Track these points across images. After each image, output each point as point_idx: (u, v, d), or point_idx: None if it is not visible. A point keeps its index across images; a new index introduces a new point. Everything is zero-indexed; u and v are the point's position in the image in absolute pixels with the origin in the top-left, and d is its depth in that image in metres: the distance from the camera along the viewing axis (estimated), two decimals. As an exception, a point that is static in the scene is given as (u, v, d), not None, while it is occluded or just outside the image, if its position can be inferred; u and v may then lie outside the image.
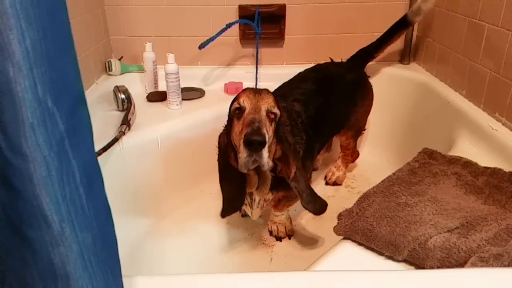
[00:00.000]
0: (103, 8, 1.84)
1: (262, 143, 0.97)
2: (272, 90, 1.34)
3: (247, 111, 1.04)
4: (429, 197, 1.04)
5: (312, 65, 1.67)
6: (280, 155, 1.12)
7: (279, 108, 1.09)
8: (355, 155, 1.77)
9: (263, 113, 1.04)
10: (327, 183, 1.77)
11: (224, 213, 1.19)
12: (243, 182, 1.16)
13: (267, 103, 1.06)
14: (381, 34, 1.72)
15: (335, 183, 1.76)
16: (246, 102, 1.05)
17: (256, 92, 1.08)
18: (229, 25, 1.75)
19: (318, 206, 1.17)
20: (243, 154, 0.99)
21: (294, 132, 1.24)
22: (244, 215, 1.52)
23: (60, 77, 0.51)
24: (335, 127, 1.58)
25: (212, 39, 1.73)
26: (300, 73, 1.58)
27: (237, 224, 1.52)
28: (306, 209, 1.17)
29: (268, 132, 1.03)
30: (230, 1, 1.84)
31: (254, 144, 0.96)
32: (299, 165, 1.14)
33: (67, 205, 0.52)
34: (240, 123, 1.04)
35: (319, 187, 1.76)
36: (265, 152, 0.99)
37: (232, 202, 1.19)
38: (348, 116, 1.59)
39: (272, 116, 1.06)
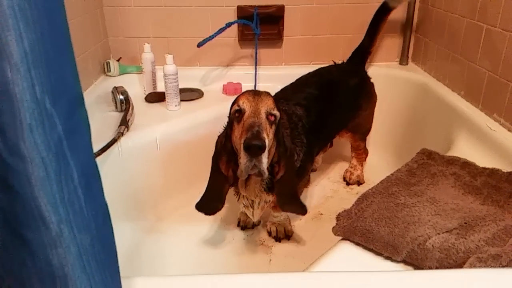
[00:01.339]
0: (101, 9, 1.83)
1: (262, 148, 0.97)
2: (271, 91, 1.34)
3: (246, 114, 1.04)
4: (427, 198, 1.04)
5: (311, 65, 1.67)
6: (278, 158, 1.12)
7: (279, 110, 1.09)
8: (366, 151, 1.80)
9: (263, 116, 1.03)
10: (348, 184, 1.79)
11: (199, 207, 1.22)
12: (224, 188, 1.18)
13: (267, 105, 1.05)
14: (367, 27, 1.76)
15: (358, 183, 1.78)
16: (245, 105, 1.05)
17: (256, 94, 1.08)
18: (228, 25, 1.76)
19: (293, 208, 1.22)
20: (243, 159, 1.00)
21: (293, 135, 1.24)
22: (244, 227, 1.51)
23: (58, 78, 0.51)
24: (336, 131, 1.59)
25: (211, 37, 1.73)
26: (303, 76, 1.58)
27: (236, 225, 1.52)
28: (281, 208, 1.24)
29: (268, 136, 1.03)
30: (228, 2, 1.84)
31: (254, 148, 0.96)
32: (290, 170, 1.14)
33: (65, 207, 0.52)
34: (240, 126, 1.04)
35: (320, 187, 1.76)
36: (264, 158, 0.99)
37: (210, 201, 1.21)
38: (351, 120, 1.59)
39: (272, 118, 1.06)
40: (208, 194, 1.20)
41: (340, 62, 1.75)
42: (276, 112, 1.07)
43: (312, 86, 1.48)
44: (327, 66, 1.68)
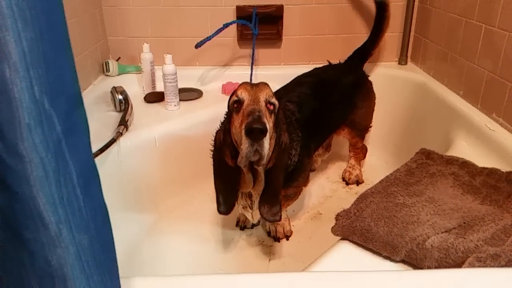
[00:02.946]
0: (100, 8, 1.83)
1: (264, 131, 0.95)
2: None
3: (246, 102, 1.03)
4: (426, 198, 1.04)
5: (310, 65, 1.67)
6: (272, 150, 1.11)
7: (277, 99, 1.08)
8: (364, 150, 1.79)
9: (262, 103, 1.02)
10: (347, 183, 1.78)
11: (221, 209, 1.19)
12: (237, 180, 1.15)
13: (266, 94, 1.04)
14: (372, 28, 1.76)
15: (357, 182, 1.77)
16: (244, 94, 1.04)
17: (254, 84, 1.07)
18: (226, 25, 1.75)
19: (267, 209, 1.15)
20: (244, 145, 0.97)
21: (290, 130, 1.24)
22: (243, 227, 1.50)
23: (57, 78, 0.51)
24: (331, 129, 1.58)
25: (209, 38, 1.73)
26: (297, 77, 1.57)
27: (235, 225, 1.52)
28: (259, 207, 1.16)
29: (269, 123, 1.01)
30: (227, 1, 1.84)
31: (256, 132, 0.95)
32: (279, 165, 1.11)
33: (64, 207, 0.52)
34: (239, 115, 1.03)
35: (319, 187, 1.76)
36: (266, 142, 0.97)
37: (227, 197, 1.18)
38: (347, 118, 1.59)
39: (271, 107, 1.05)
40: (221, 192, 1.18)
41: (336, 62, 1.74)
42: (274, 101, 1.06)
43: (304, 86, 1.47)
44: (322, 67, 1.67)
